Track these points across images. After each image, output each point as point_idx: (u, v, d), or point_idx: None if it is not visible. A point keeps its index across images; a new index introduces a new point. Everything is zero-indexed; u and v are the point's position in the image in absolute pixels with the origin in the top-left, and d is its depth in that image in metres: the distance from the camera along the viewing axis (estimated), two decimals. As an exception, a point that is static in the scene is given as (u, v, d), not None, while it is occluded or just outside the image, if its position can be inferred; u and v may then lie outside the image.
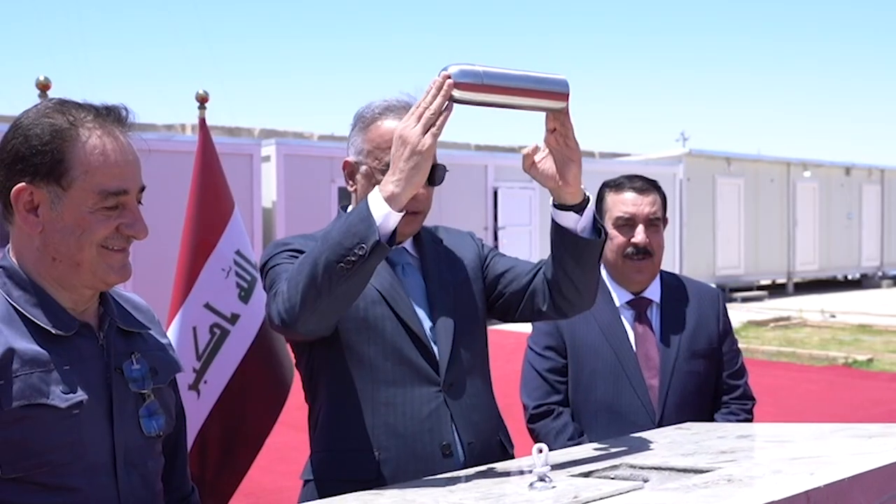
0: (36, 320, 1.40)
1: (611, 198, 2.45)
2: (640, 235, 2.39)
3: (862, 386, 8.71)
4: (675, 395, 2.34)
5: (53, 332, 1.41)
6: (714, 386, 2.47)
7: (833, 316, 14.71)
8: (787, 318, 14.45)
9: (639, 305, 2.44)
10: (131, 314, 1.59)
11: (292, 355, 2.02)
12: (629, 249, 2.40)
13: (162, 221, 10.73)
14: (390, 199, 1.56)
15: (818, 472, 1.22)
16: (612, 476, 1.40)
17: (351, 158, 1.92)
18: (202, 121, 3.19)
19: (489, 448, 1.85)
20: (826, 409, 7.56)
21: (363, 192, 1.86)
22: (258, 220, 12.40)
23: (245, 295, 3.18)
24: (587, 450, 1.72)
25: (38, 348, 1.38)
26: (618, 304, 2.46)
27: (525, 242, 15.23)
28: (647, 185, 2.44)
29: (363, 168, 1.87)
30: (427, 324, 1.85)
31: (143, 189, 1.49)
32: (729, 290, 18.73)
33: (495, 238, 15.01)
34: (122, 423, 1.45)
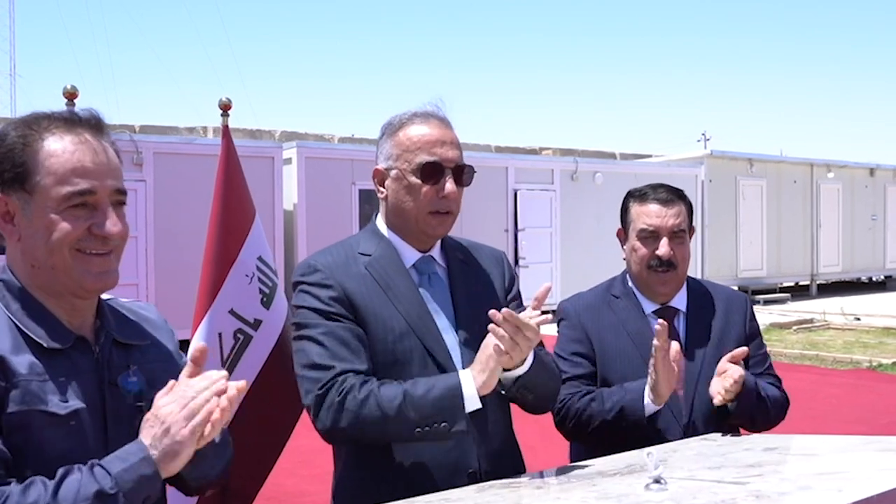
0: (31, 333, 1.41)
1: (635, 209, 2.43)
2: (663, 248, 2.37)
3: (887, 390, 8.59)
4: (701, 403, 2.31)
5: (46, 345, 1.41)
6: None
7: (858, 318, 14.54)
8: (811, 321, 14.30)
9: (665, 315, 2.42)
10: (131, 326, 1.58)
11: None
12: (653, 262, 2.38)
13: (183, 223, 10.88)
14: (482, 388, 1.70)
15: (846, 489, 1.21)
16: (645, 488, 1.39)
17: (381, 166, 1.96)
18: (225, 128, 3.18)
19: (504, 474, 1.86)
20: (850, 414, 7.46)
21: (394, 196, 1.92)
22: (279, 222, 12.42)
23: (267, 300, 3.19)
24: (609, 462, 1.71)
25: (34, 359, 1.39)
26: (646, 312, 2.45)
27: (545, 244, 15.18)
28: (672, 196, 2.41)
29: (394, 172, 1.92)
30: (455, 353, 1.87)
31: (121, 192, 1.46)
32: (751, 292, 18.57)
33: (515, 240, 14.97)
34: (116, 434, 1.46)
